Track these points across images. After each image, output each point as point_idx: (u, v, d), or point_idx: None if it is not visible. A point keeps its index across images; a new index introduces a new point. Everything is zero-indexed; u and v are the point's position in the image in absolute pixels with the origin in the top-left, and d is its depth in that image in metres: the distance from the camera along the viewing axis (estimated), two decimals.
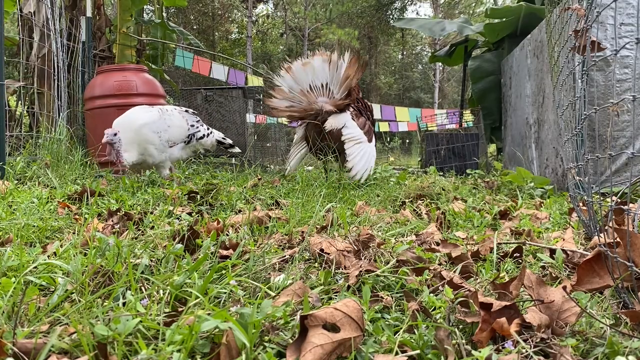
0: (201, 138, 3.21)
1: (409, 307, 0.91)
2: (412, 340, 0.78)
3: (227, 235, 1.51)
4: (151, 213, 1.84)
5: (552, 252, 1.36)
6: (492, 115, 6.26)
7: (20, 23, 4.48)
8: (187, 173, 3.32)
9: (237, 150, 3.58)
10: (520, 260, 1.35)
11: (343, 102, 3.19)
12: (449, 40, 14.58)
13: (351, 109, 3.27)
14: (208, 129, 3.31)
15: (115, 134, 2.79)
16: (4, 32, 2.90)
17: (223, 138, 3.43)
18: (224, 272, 1.12)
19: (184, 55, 7.08)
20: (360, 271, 1.12)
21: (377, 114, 10.26)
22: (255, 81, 9.26)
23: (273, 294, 0.98)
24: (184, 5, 6.54)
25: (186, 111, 3.22)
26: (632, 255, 0.97)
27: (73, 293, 0.93)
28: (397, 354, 0.75)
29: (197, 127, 3.19)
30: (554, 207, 2.42)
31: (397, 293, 1.05)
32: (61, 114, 4.25)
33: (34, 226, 1.54)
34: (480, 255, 1.38)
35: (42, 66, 4.32)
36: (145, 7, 6.41)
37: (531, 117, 4.36)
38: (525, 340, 0.78)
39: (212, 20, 22.52)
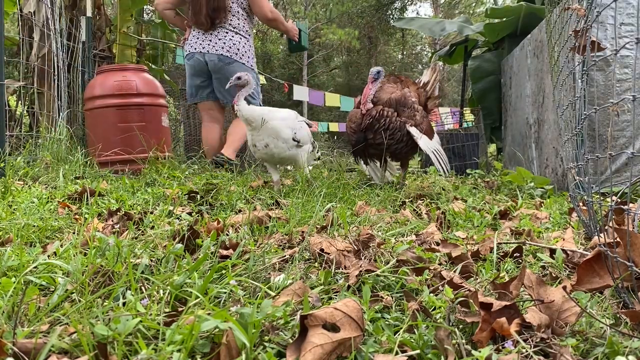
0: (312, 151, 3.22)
1: (409, 307, 0.91)
2: (412, 340, 0.78)
3: (227, 235, 1.51)
4: (151, 213, 1.84)
5: (552, 252, 1.36)
6: (492, 115, 6.26)
7: (20, 23, 4.48)
8: (187, 173, 3.31)
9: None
10: (520, 260, 1.35)
11: None
12: (449, 40, 14.59)
13: None
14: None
15: (239, 77, 2.81)
16: (4, 32, 2.90)
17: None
18: (224, 272, 1.12)
19: (184, 55, 7.07)
20: (360, 271, 1.12)
21: None
22: None
23: (273, 294, 0.98)
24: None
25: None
26: (632, 255, 0.97)
27: (73, 293, 0.93)
28: (397, 353, 0.75)
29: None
30: (554, 207, 2.42)
31: (397, 293, 1.05)
32: (61, 114, 4.25)
33: (34, 226, 1.54)
34: (480, 255, 1.38)
35: (42, 66, 4.32)
36: (145, 7, 6.40)
37: (531, 117, 4.36)
38: (525, 340, 0.78)
39: None
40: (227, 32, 3.51)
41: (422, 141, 3.16)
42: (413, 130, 3.16)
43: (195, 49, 3.62)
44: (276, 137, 2.90)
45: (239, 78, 2.86)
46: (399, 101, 3.23)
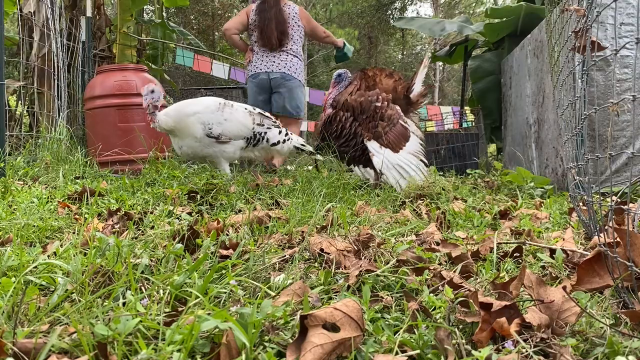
0: (275, 144, 2.99)
1: (409, 307, 0.91)
2: (412, 340, 0.78)
3: (227, 235, 1.51)
4: (151, 213, 1.84)
5: (552, 252, 1.36)
6: (492, 115, 6.25)
7: (20, 23, 4.47)
8: (187, 173, 3.31)
9: (319, 157, 3.36)
10: (520, 260, 1.35)
11: None
12: (449, 40, 14.57)
13: None
14: (286, 134, 3.09)
15: (152, 91, 2.67)
16: (4, 32, 2.90)
17: (302, 144, 3.18)
18: (224, 272, 1.12)
19: (184, 54, 7.08)
20: (360, 271, 1.12)
21: None
22: None
23: (273, 294, 0.98)
24: (187, 4, 6.52)
25: (260, 113, 3.00)
26: (632, 255, 0.97)
27: (73, 293, 0.93)
28: (397, 353, 0.75)
29: (268, 129, 2.97)
30: (554, 207, 2.42)
31: (397, 293, 1.05)
32: (61, 114, 4.25)
33: (34, 226, 1.54)
34: (480, 255, 1.38)
35: (42, 66, 4.32)
36: (145, 7, 6.40)
37: (531, 116, 4.36)
38: (525, 340, 0.78)
39: (212, 20, 22.51)
40: (287, 55, 4.27)
41: (378, 158, 2.92)
42: (370, 146, 2.96)
43: (260, 69, 4.26)
44: (186, 135, 2.71)
45: (152, 91, 2.74)
46: (356, 107, 3.04)
